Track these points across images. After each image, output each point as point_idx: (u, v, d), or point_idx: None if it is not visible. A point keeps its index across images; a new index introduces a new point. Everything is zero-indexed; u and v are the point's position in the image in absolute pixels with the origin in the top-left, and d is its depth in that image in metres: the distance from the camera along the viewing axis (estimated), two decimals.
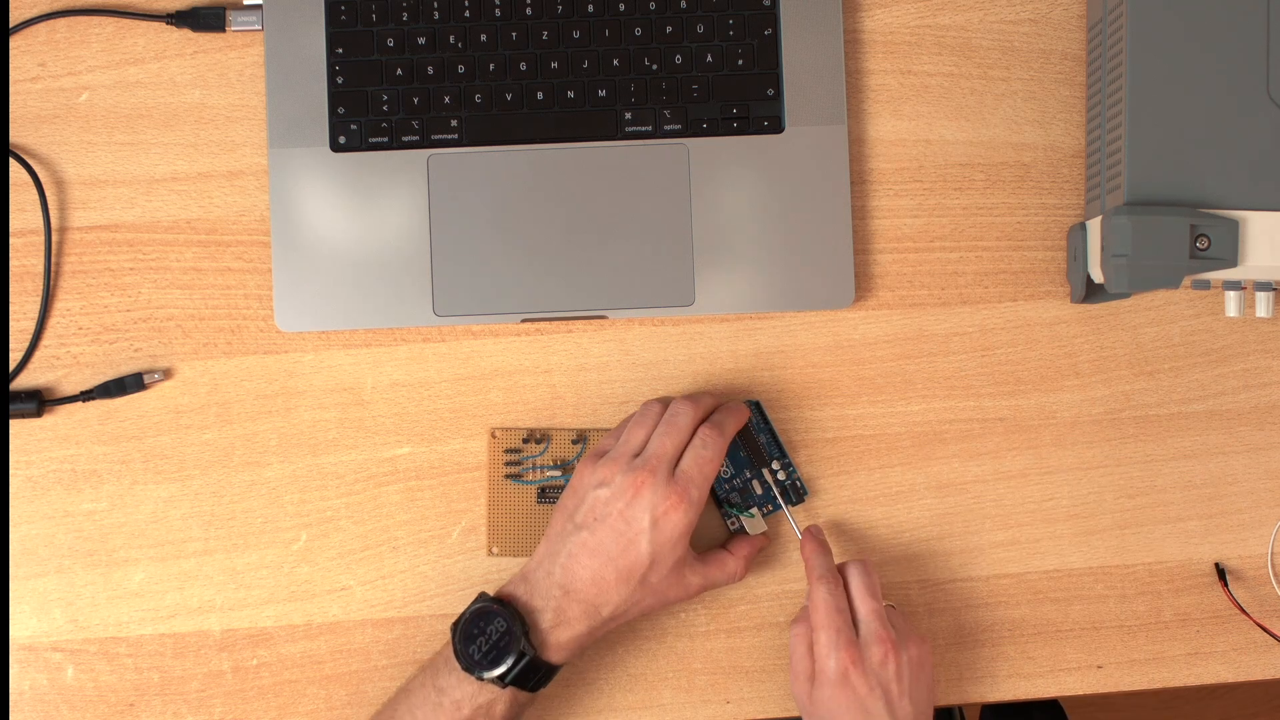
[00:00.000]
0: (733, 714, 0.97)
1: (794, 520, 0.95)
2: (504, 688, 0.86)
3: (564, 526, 0.89)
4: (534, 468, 0.96)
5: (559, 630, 0.87)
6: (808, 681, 0.89)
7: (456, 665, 0.86)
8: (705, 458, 0.89)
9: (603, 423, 0.97)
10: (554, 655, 0.87)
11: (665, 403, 0.92)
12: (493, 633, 0.86)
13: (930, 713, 0.90)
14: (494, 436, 0.96)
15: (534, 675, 0.87)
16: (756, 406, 0.96)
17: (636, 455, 0.89)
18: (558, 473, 0.96)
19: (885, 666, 0.87)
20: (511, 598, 0.88)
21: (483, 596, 0.88)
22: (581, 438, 0.96)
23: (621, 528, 0.87)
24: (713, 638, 0.97)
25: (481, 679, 0.86)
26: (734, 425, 0.93)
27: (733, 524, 0.96)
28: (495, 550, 0.96)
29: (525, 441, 0.96)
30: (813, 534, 0.94)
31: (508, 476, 0.96)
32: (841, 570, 0.92)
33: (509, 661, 0.85)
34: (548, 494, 0.96)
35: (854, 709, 0.87)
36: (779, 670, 0.97)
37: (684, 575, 0.89)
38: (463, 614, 0.87)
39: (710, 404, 0.93)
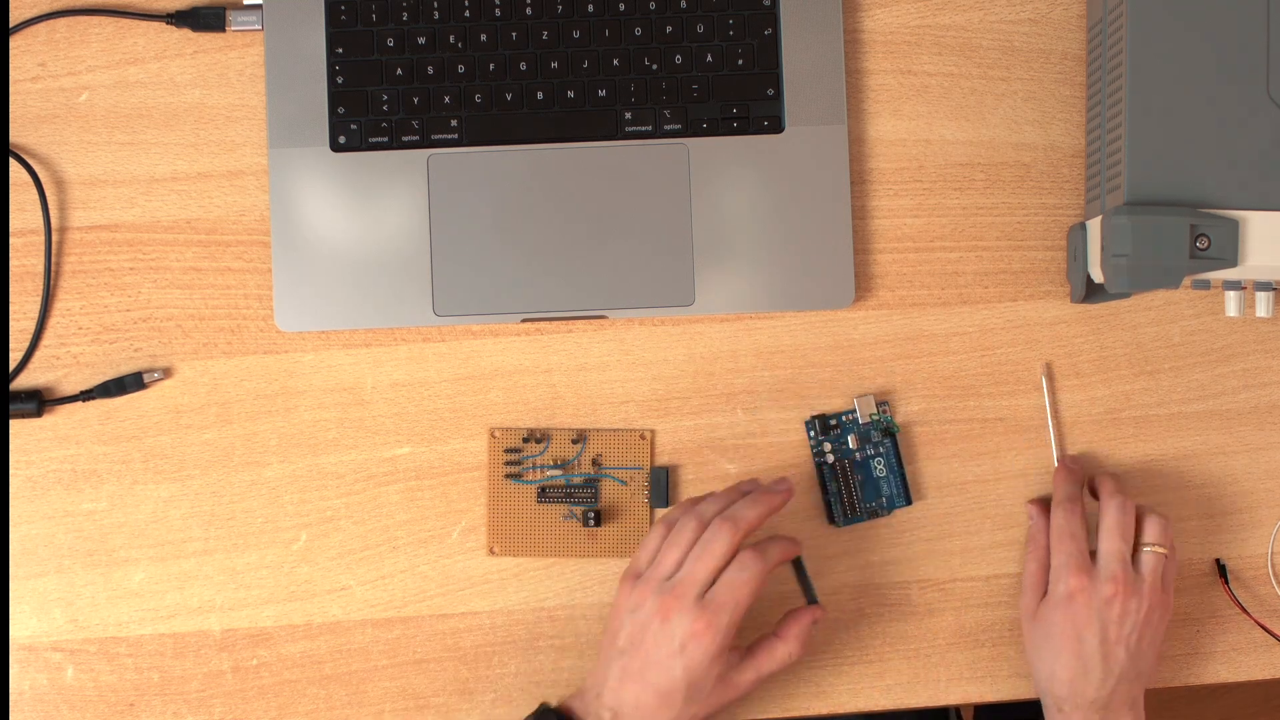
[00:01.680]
0: (733, 714, 0.97)
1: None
2: None
3: (610, 649, 0.88)
4: (534, 467, 0.96)
5: None
6: (1035, 597, 0.92)
7: None
8: (740, 581, 0.86)
9: (603, 423, 0.97)
10: None
11: (702, 517, 0.89)
12: None
13: (1149, 673, 0.91)
14: (494, 436, 0.96)
15: None
16: (797, 563, 0.93)
17: (669, 577, 0.87)
18: (558, 472, 0.96)
19: (1111, 606, 0.88)
20: (570, 711, 0.88)
21: (545, 707, 0.88)
22: (581, 437, 0.96)
23: (654, 653, 0.86)
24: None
25: None
26: (780, 554, 0.89)
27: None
28: (495, 550, 0.96)
29: (525, 441, 0.96)
30: (1065, 462, 0.96)
31: (508, 476, 0.96)
32: (1099, 498, 0.93)
33: None
34: (548, 493, 0.96)
35: (1069, 634, 0.89)
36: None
37: (731, 681, 0.88)
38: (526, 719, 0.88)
39: (754, 522, 0.88)
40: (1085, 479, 0.96)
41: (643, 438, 0.96)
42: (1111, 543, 0.90)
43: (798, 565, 0.93)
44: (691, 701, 0.86)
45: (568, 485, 0.96)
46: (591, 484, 0.96)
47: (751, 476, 0.96)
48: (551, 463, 0.96)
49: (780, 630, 0.90)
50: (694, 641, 0.85)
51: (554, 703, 0.90)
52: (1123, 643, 0.89)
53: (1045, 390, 0.97)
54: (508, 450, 0.96)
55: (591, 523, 0.95)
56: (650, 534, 0.90)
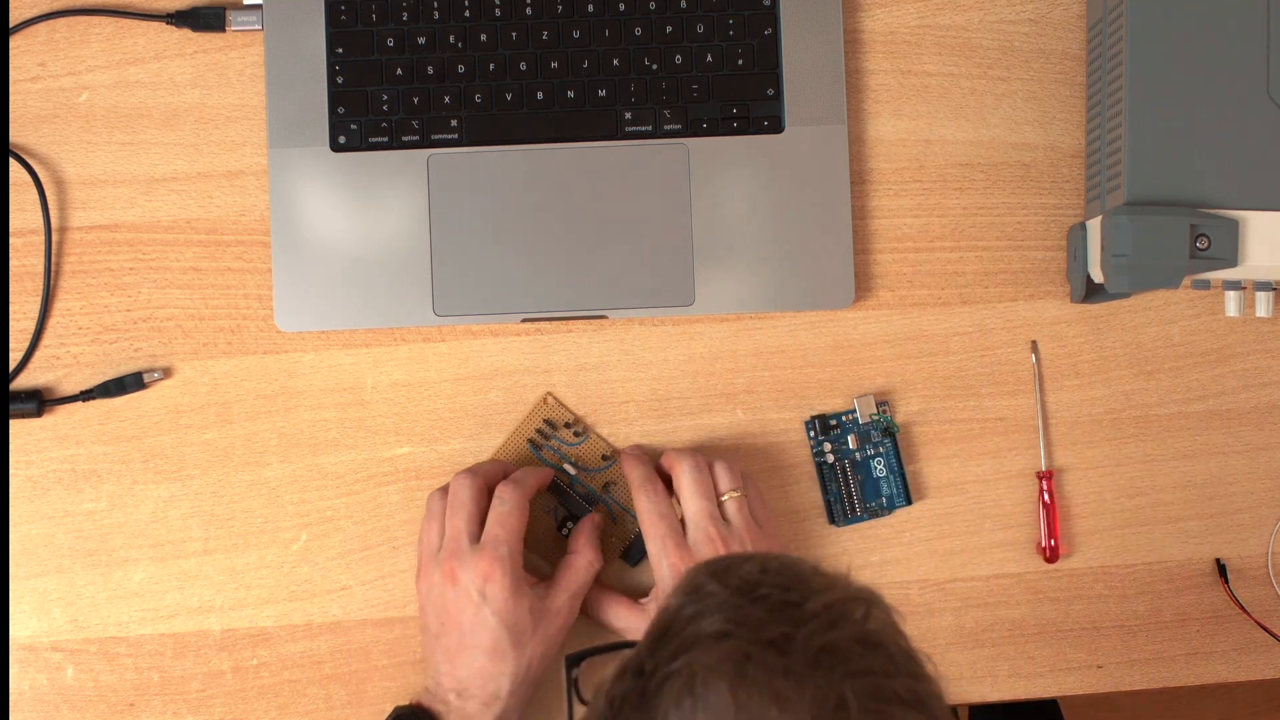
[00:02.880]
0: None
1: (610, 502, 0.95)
2: None
3: (428, 641, 0.90)
4: (556, 451, 0.96)
5: None
6: (629, 610, 0.91)
7: None
8: (504, 513, 0.89)
9: (603, 423, 0.97)
10: None
11: (442, 491, 0.92)
12: None
13: None
14: (545, 401, 0.96)
15: None
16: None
17: (439, 549, 0.90)
18: (571, 470, 0.96)
19: None
20: (419, 706, 0.89)
21: (398, 709, 0.89)
22: (612, 458, 0.95)
23: (461, 617, 0.88)
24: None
25: None
26: (534, 480, 0.92)
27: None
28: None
29: (566, 425, 0.96)
30: (629, 451, 0.94)
31: (529, 440, 0.96)
32: (671, 471, 0.92)
33: None
34: (554, 482, 0.95)
35: None
36: None
37: (547, 609, 0.89)
38: None
39: (491, 470, 0.92)
40: (652, 460, 0.94)
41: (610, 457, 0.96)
42: (693, 504, 0.90)
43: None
44: (520, 644, 0.88)
45: (570, 485, 0.96)
46: (590, 500, 0.96)
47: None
48: (573, 459, 0.96)
49: (570, 546, 0.93)
50: (488, 584, 0.87)
51: (406, 701, 0.91)
52: None
53: (1034, 363, 0.97)
54: (546, 421, 0.96)
55: (566, 531, 0.95)
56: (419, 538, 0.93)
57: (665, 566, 0.89)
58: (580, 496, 0.95)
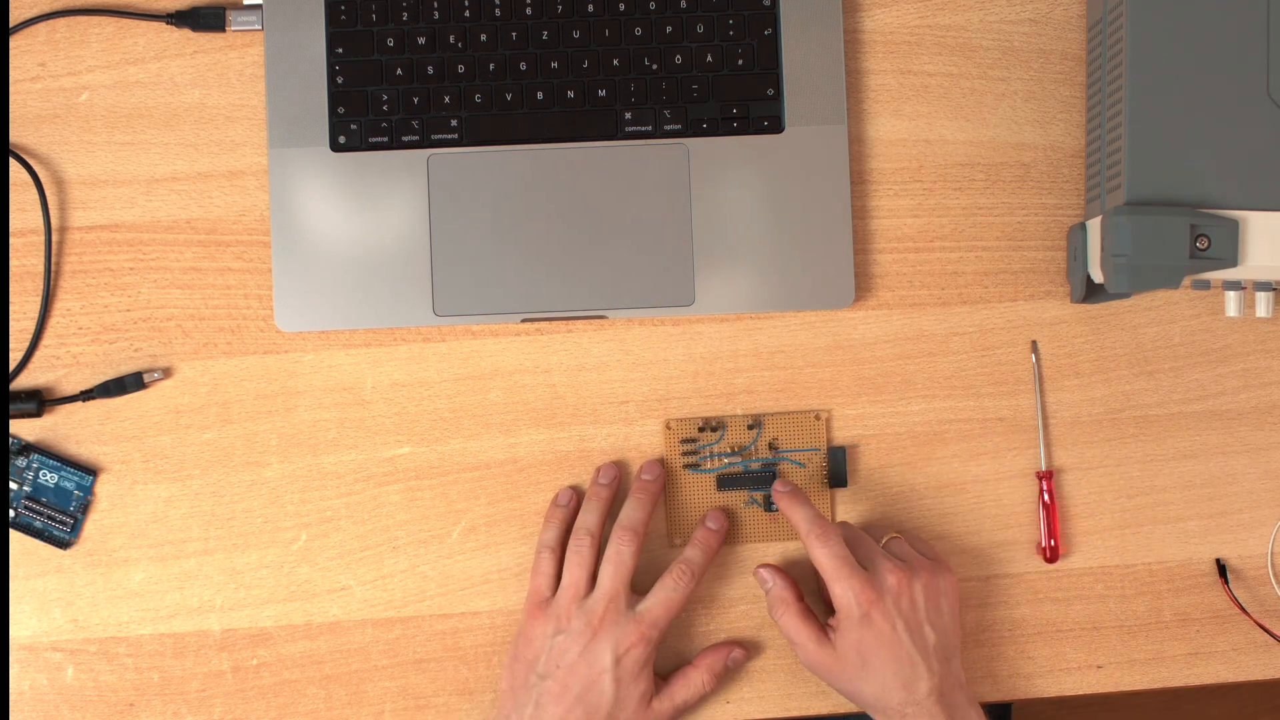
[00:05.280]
0: (733, 714, 0.97)
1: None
2: None
3: (527, 677, 0.90)
4: (711, 455, 0.96)
5: None
6: (819, 644, 0.90)
7: None
8: (674, 601, 0.91)
9: (603, 423, 0.97)
10: None
11: (590, 531, 0.93)
12: None
13: (957, 642, 0.91)
14: (669, 428, 0.96)
15: None
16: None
17: (584, 594, 0.91)
18: (737, 459, 0.96)
19: (900, 597, 0.88)
20: None
21: None
22: (757, 422, 0.95)
23: (584, 670, 0.89)
24: (713, 638, 0.97)
25: None
26: (705, 559, 0.93)
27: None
28: (677, 542, 0.96)
29: (701, 430, 0.96)
30: (783, 491, 0.93)
31: (686, 467, 0.96)
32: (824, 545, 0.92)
33: None
34: (727, 481, 0.95)
35: (885, 642, 0.88)
36: (779, 670, 0.97)
37: (651, 707, 0.91)
38: None
39: (646, 523, 0.93)
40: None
41: (818, 418, 0.96)
42: (862, 546, 0.91)
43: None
44: (613, 719, 0.89)
45: (746, 471, 0.96)
46: (769, 468, 0.95)
47: (601, 464, 0.97)
48: (729, 450, 0.96)
49: (697, 661, 0.94)
50: (629, 654, 0.89)
51: None
52: (927, 624, 0.89)
53: (1034, 363, 0.97)
54: (684, 441, 0.96)
55: (774, 508, 0.95)
56: (538, 560, 0.94)
57: (856, 606, 0.88)
58: (757, 475, 0.95)
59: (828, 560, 0.89)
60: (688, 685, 0.93)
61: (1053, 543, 0.97)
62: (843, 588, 0.88)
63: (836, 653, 0.89)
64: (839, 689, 0.91)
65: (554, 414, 0.97)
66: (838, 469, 0.95)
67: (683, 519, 0.96)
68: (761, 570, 0.93)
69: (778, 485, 0.94)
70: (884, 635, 0.88)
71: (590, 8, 0.96)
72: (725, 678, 0.95)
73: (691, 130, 0.97)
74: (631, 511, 0.93)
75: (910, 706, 0.88)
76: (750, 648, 0.97)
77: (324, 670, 0.96)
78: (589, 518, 0.94)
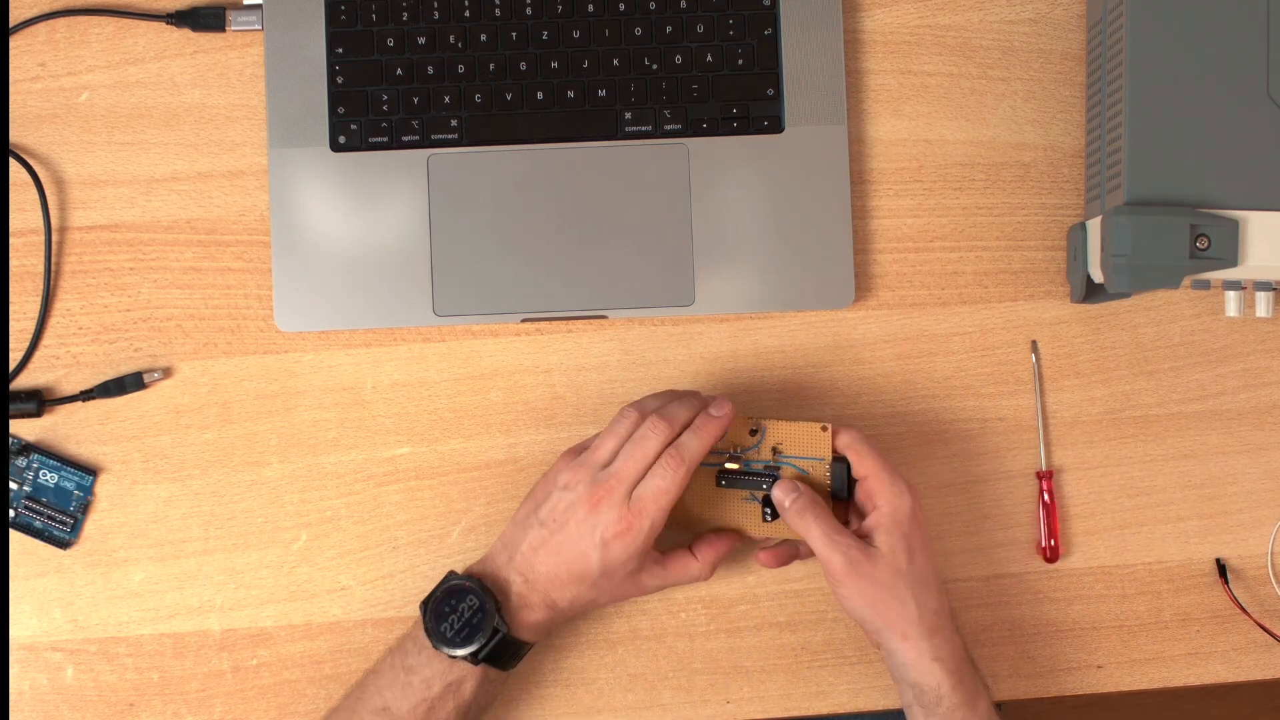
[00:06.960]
0: (733, 714, 0.97)
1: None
2: (476, 665, 0.87)
3: (528, 517, 0.90)
4: (713, 451, 0.92)
5: (523, 612, 0.88)
6: (860, 547, 0.88)
7: (426, 644, 0.87)
8: (661, 490, 0.87)
9: (603, 423, 0.97)
10: (523, 634, 0.88)
11: (644, 410, 0.89)
12: (465, 610, 0.87)
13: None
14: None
15: (507, 652, 0.88)
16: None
17: (606, 465, 0.88)
18: (739, 459, 0.93)
19: (915, 516, 0.89)
20: (481, 575, 0.89)
21: (452, 575, 0.89)
22: (759, 428, 0.92)
23: (575, 537, 0.88)
24: (713, 638, 0.97)
25: (454, 656, 0.87)
26: (701, 447, 0.89)
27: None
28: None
29: (750, 435, 0.94)
30: (797, 510, 0.91)
31: (718, 475, 0.93)
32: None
33: (482, 638, 0.86)
34: (728, 477, 0.92)
35: (926, 544, 0.89)
36: (779, 670, 0.97)
37: (639, 579, 0.90)
38: (433, 592, 0.88)
39: (687, 417, 0.89)
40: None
41: (824, 429, 0.93)
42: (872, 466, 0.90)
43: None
44: (599, 588, 0.88)
45: (748, 470, 0.94)
46: (772, 471, 0.93)
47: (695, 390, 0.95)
48: (731, 449, 0.93)
49: (697, 550, 0.92)
50: (617, 541, 0.87)
51: (460, 569, 0.90)
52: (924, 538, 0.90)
53: (1034, 363, 0.97)
54: (734, 454, 0.93)
55: (769, 517, 0.92)
56: (615, 418, 0.90)
57: (908, 501, 0.89)
58: (759, 475, 0.93)
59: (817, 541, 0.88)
60: (685, 570, 0.91)
61: (1053, 543, 0.97)
62: (897, 487, 0.88)
63: (880, 552, 0.87)
64: (866, 601, 0.87)
65: (554, 414, 0.97)
66: (841, 482, 0.94)
67: (679, 516, 0.96)
68: (778, 490, 0.91)
69: (780, 495, 0.91)
70: (926, 535, 0.89)
71: (590, 8, 0.96)
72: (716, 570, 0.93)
73: (691, 130, 0.97)
74: (690, 439, 0.89)
75: (943, 615, 0.88)
76: (750, 651, 0.97)
77: (324, 670, 0.96)
78: (650, 400, 0.90)
